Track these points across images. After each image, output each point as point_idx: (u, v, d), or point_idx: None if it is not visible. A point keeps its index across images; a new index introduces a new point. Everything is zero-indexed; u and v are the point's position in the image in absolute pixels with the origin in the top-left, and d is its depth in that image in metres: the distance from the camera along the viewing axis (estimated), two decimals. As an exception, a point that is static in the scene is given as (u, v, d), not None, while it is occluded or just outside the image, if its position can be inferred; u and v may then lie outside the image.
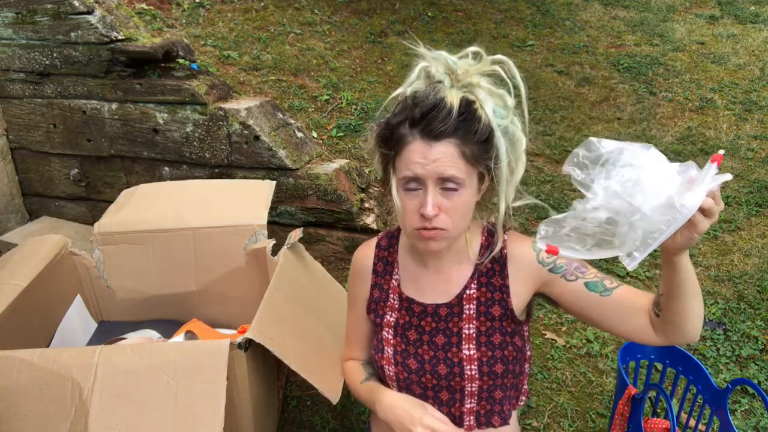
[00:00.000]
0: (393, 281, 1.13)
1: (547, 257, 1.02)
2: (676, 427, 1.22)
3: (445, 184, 0.92)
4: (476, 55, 0.95)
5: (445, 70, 0.94)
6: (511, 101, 0.94)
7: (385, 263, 1.14)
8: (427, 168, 0.90)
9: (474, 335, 1.05)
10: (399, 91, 0.98)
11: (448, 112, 0.89)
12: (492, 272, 1.06)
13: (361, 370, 1.19)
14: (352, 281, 1.20)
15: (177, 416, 1.15)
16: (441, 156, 0.90)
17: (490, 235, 1.08)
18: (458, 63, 0.93)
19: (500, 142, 0.93)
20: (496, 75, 0.94)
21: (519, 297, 1.05)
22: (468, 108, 0.91)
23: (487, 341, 1.04)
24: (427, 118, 0.89)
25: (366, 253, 1.17)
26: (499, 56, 0.94)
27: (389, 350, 1.10)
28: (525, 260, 1.04)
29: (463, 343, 1.05)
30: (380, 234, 1.18)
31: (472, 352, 1.04)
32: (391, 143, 0.95)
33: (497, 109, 0.93)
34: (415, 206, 0.94)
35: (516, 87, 0.94)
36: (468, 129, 0.90)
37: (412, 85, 0.97)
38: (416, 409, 1.03)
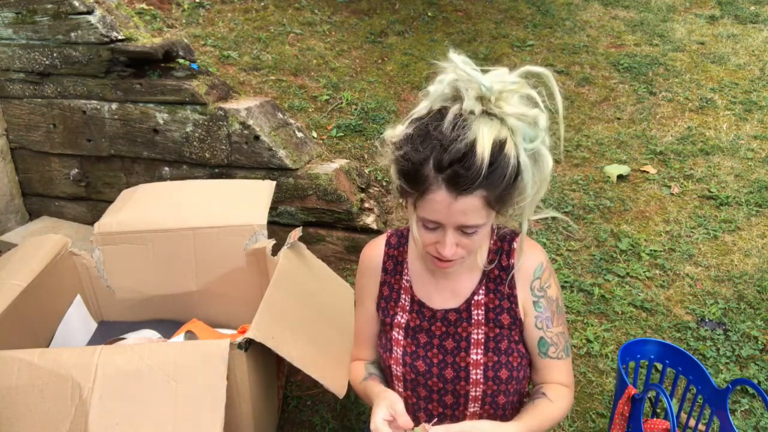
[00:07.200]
0: (404, 281, 1.12)
1: (539, 289, 1.05)
2: (676, 427, 1.21)
3: (465, 228, 0.91)
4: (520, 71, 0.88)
5: (476, 95, 0.86)
6: (543, 122, 0.87)
7: (395, 262, 1.14)
8: (449, 219, 0.89)
9: (482, 340, 1.05)
10: (425, 104, 0.91)
11: (479, 166, 0.82)
12: (500, 280, 1.06)
13: (363, 370, 1.19)
14: (360, 278, 1.19)
15: (177, 416, 1.15)
16: (464, 208, 0.87)
17: (499, 239, 1.08)
18: (492, 88, 0.85)
19: (527, 175, 0.88)
20: (536, 83, 0.88)
21: (525, 305, 1.07)
22: (500, 153, 0.84)
23: (495, 347, 1.05)
24: (455, 168, 0.83)
25: (375, 250, 1.16)
26: (537, 69, 0.87)
27: (398, 351, 1.09)
28: (526, 276, 1.06)
29: (471, 348, 1.05)
30: (389, 231, 1.18)
31: (479, 356, 1.04)
32: (414, 183, 0.88)
33: (527, 135, 0.87)
34: (433, 239, 0.95)
35: (554, 105, 0.88)
36: (496, 178, 0.85)
37: (438, 99, 0.90)
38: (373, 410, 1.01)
